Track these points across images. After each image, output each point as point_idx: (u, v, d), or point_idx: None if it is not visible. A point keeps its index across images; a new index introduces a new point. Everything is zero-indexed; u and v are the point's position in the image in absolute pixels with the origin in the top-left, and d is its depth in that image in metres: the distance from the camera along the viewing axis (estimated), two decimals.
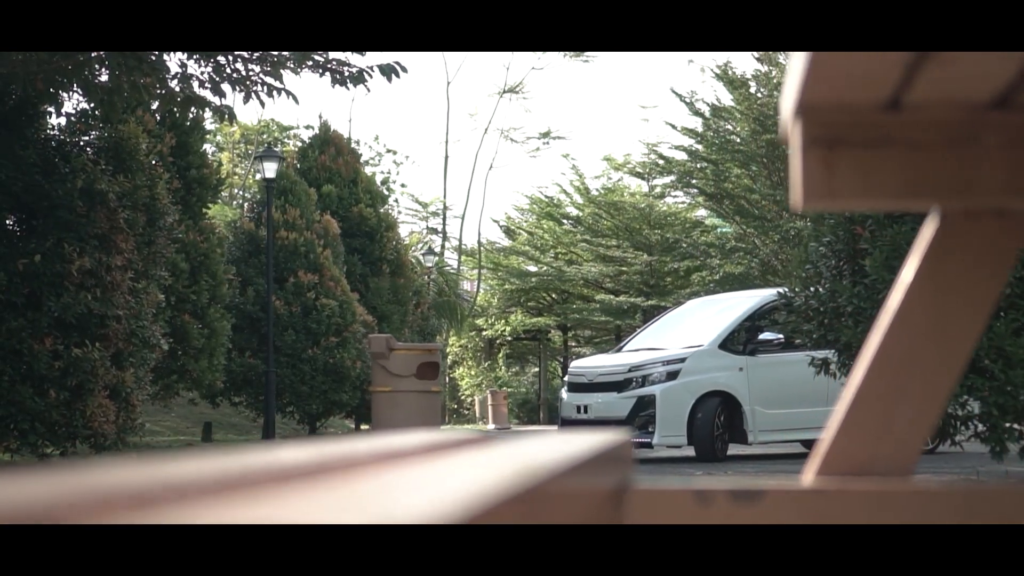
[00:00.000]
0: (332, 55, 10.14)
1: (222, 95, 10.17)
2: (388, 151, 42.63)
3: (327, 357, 18.40)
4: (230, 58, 9.95)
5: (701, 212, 31.94)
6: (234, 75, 10.01)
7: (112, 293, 10.89)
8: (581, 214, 34.43)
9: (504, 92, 38.35)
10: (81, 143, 11.55)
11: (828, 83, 0.95)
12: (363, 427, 21.25)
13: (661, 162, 30.44)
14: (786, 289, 8.79)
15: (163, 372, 14.29)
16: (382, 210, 23.08)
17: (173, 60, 10.04)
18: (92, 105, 11.09)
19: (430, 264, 31.70)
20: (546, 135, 39.11)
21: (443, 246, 39.04)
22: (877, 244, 7.16)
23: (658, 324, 13.62)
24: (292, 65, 9.98)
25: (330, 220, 19.99)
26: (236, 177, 34.90)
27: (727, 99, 27.15)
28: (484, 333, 35.93)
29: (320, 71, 10.15)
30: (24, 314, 10.49)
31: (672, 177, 30.55)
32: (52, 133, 11.39)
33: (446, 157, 38.91)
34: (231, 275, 17.10)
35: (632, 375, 11.62)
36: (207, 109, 10.43)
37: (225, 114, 10.55)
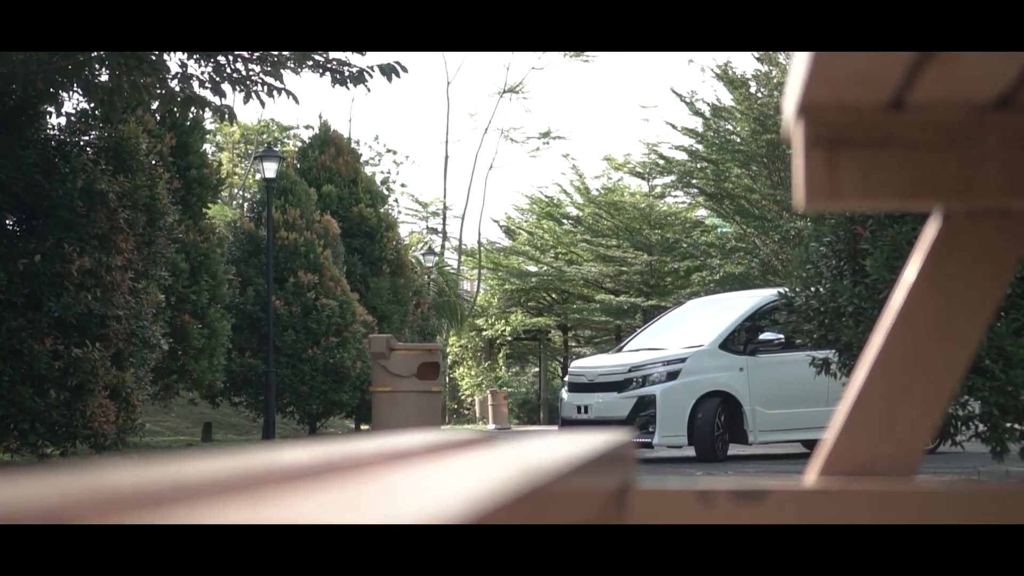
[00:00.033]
0: (332, 55, 10.14)
1: (222, 95, 10.17)
2: (388, 151, 42.64)
3: (327, 357, 18.40)
4: (230, 58, 9.95)
5: (701, 212, 31.94)
6: (234, 75, 10.02)
7: (112, 293, 10.89)
8: (581, 214, 34.43)
9: (504, 92, 38.37)
10: (81, 143, 11.55)
11: (831, 83, 0.95)
12: (363, 427, 21.26)
13: (661, 162, 30.45)
14: (787, 289, 8.79)
15: (163, 372, 14.29)
16: (382, 210, 23.08)
17: (173, 60, 10.05)
18: (92, 105, 11.09)
19: (430, 264, 31.70)
20: (546, 135, 39.12)
21: (443, 246, 39.06)
22: (878, 244, 7.16)
23: (658, 324, 13.63)
24: (292, 65, 9.99)
25: (330, 220, 19.99)
26: (236, 177, 34.91)
27: (727, 99, 27.16)
28: (484, 333, 35.93)
29: (320, 71, 10.15)
30: (24, 314, 10.49)
31: (672, 177, 30.55)
32: (52, 133, 11.40)
33: (446, 157, 38.93)
34: (231, 275, 17.10)
35: (632, 375, 11.62)
36: (207, 109, 10.43)
37: (225, 114, 10.55)
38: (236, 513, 0.36)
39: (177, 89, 10.18)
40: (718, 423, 11.28)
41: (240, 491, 0.43)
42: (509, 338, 36.12)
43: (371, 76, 10.21)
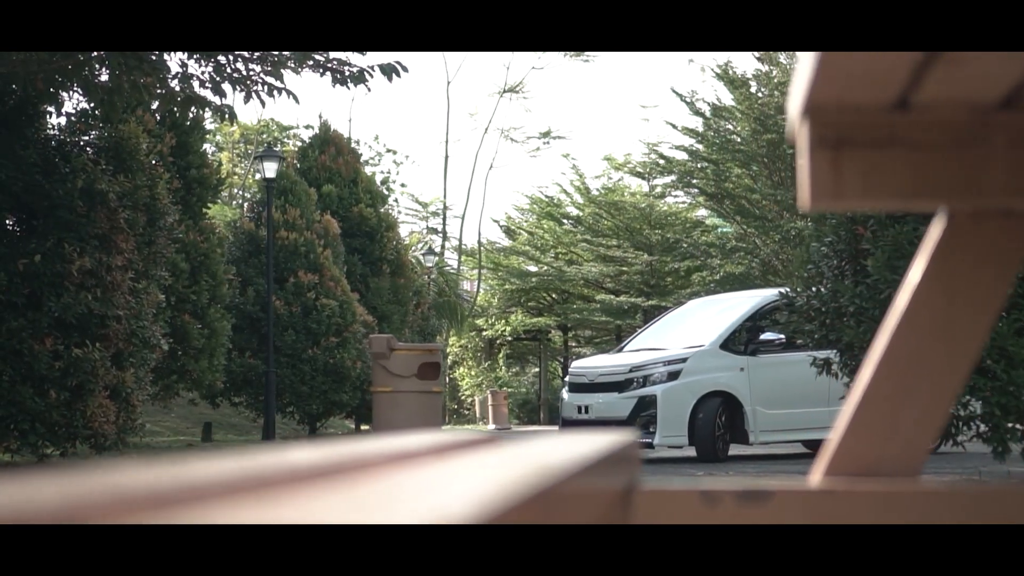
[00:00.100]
0: (333, 55, 10.14)
1: (223, 95, 10.17)
2: (388, 151, 42.65)
3: (327, 357, 18.40)
4: (230, 58, 9.95)
5: (702, 212, 31.94)
6: (235, 75, 10.02)
7: (112, 293, 10.89)
8: (581, 214, 34.43)
9: (504, 92, 38.37)
10: (81, 143, 11.55)
11: (835, 83, 0.95)
12: (363, 427, 21.26)
13: (661, 162, 30.45)
14: (788, 289, 8.79)
15: (163, 372, 14.29)
16: (382, 210, 23.08)
17: (173, 60, 10.05)
18: (92, 105, 11.09)
19: (430, 264, 31.70)
20: (546, 135, 39.11)
21: (443, 246, 39.06)
22: (879, 244, 7.16)
23: (659, 324, 13.63)
24: (293, 65, 9.99)
25: (330, 220, 19.99)
26: (236, 177, 34.91)
27: (728, 99, 27.16)
28: (484, 333, 35.93)
29: (321, 71, 10.15)
30: (24, 314, 10.49)
31: (673, 177, 30.55)
32: (52, 133, 11.40)
33: (446, 157, 38.94)
34: (231, 275, 17.10)
35: (633, 375, 11.62)
36: (207, 109, 10.43)
37: (225, 114, 10.55)
38: (247, 514, 0.36)
39: (177, 89, 10.18)
40: (719, 423, 11.29)
41: (250, 492, 0.43)
42: (509, 338, 36.12)
43: (371, 76, 10.21)
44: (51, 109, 11.12)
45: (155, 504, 0.36)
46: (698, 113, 27.52)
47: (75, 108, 11.82)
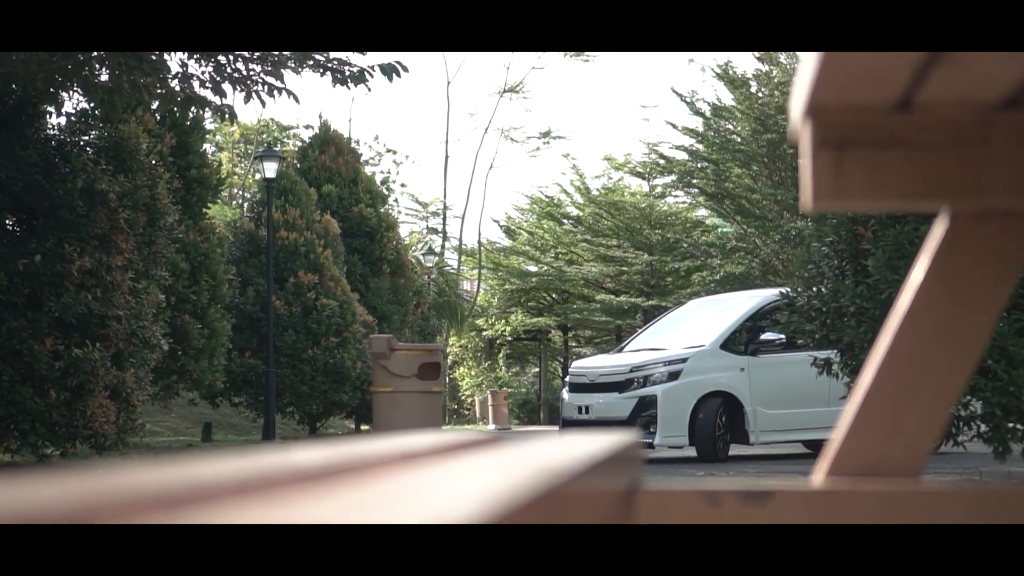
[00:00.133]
0: (333, 55, 10.14)
1: (223, 95, 10.17)
2: (388, 151, 42.65)
3: (327, 357, 18.40)
4: (231, 58, 9.95)
5: (702, 212, 31.94)
6: (235, 75, 10.02)
7: (112, 293, 10.89)
8: (581, 214, 34.43)
9: (504, 92, 38.37)
10: (81, 143, 11.55)
11: (838, 84, 0.95)
12: (363, 428, 21.26)
13: (662, 162, 30.44)
14: (788, 289, 8.79)
15: (163, 372, 14.29)
16: (382, 210, 23.08)
17: (173, 60, 10.05)
18: (92, 105, 11.09)
19: (430, 264, 31.70)
20: (546, 135, 39.11)
21: (443, 246, 39.06)
22: (880, 244, 7.16)
23: (659, 324, 13.63)
24: (293, 65, 9.99)
25: (330, 220, 19.99)
26: (236, 177, 34.91)
27: (728, 99, 27.15)
28: (484, 333, 35.93)
29: (321, 71, 10.15)
30: (24, 314, 10.49)
31: (673, 177, 30.54)
32: (52, 133, 11.39)
33: (446, 157, 38.94)
34: (231, 275, 17.10)
35: (633, 375, 11.62)
36: (207, 109, 10.43)
37: (226, 114, 10.55)
38: (256, 514, 0.36)
39: (177, 89, 10.18)
40: (719, 423, 11.29)
41: (257, 492, 0.43)
42: (509, 338, 36.12)
43: (372, 76, 10.21)
44: (51, 109, 11.12)
45: (164, 505, 0.36)
46: (698, 113, 27.51)
47: (75, 108, 11.83)
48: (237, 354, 17.78)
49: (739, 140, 26.49)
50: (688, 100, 27.52)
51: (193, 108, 10.44)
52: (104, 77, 10.01)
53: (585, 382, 12.08)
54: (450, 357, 34.28)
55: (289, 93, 10.30)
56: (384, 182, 37.72)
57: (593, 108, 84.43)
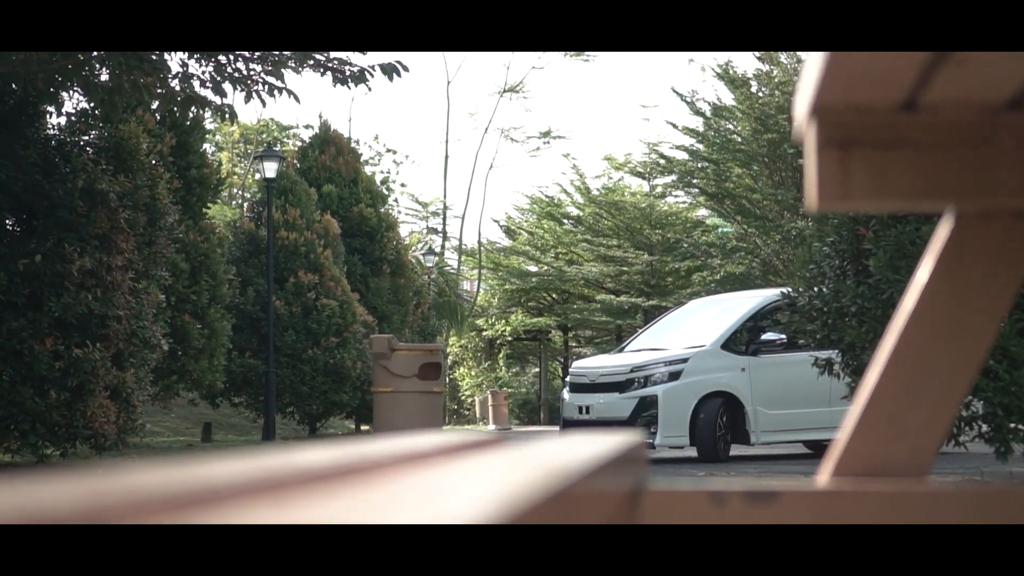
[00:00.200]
0: (333, 54, 10.14)
1: (223, 94, 10.17)
2: (388, 151, 42.66)
3: (327, 357, 18.40)
4: (231, 57, 9.95)
5: (702, 212, 31.94)
6: (235, 74, 10.02)
7: (113, 293, 10.89)
8: (582, 214, 34.42)
9: (504, 92, 38.37)
10: (81, 143, 11.55)
11: (843, 84, 0.95)
12: (363, 428, 21.26)
13: (662, 162, 30.44)
14: (789, 289, 8.79)
15: (163, 372, 14.29)
16: (382, 210, 23.08)
17: (174, 60, 10.05)
18: (92, 105, 11.09)
19: (430, 264, 31.71)
20: (546, 134, 39.10)
21: (443, 246, 39.06)
22: (881, 244, 7.16)
23: (660, 324, 13.63)
24: (293, 64, 9.99)
25: (330, 220, 19.99)
26: (236, 177, 34.92)
27: (728, 98, 27.15)
28: (484, 333, 35.93)
29: (321, 70, 10.15)
30: (25, 314, 10.49)
31: (673, 177, 30.54)
32: (52, 133, 11.40)
33: (446, 157, 38.94)
34: (231, 275, 17.09)
35: (634, 375, 11.62)
36: (207, 109, 10.43)
37: (226, 114, 10.55)
38: (266, 514, 0.36)
39: (177, 89, 10.18)
40: (720, 423, 11.29)
41: (265, 492, 0.43)
42: (509, 338, 36.11)
43: (372, 75, 10.22)
44: (51, 109, 11.12)
45: (176, 505, 0.36)
46: (698, 113, 27.51)
47: (75, 108, 11.83)
48: (237, 354, 17.78)
49: (739, 140, 26.49)
50: (688, 100, 27.52)
51: (193, 108, 10.44)
52: (104, 77, 10.01)
53: (586, 382, 12.08)
54: (450, 357, 34.28)
55: (289, 93, 10.30)
56: (384, 182, 37.72)
57: (593, 108, 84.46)
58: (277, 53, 9.83)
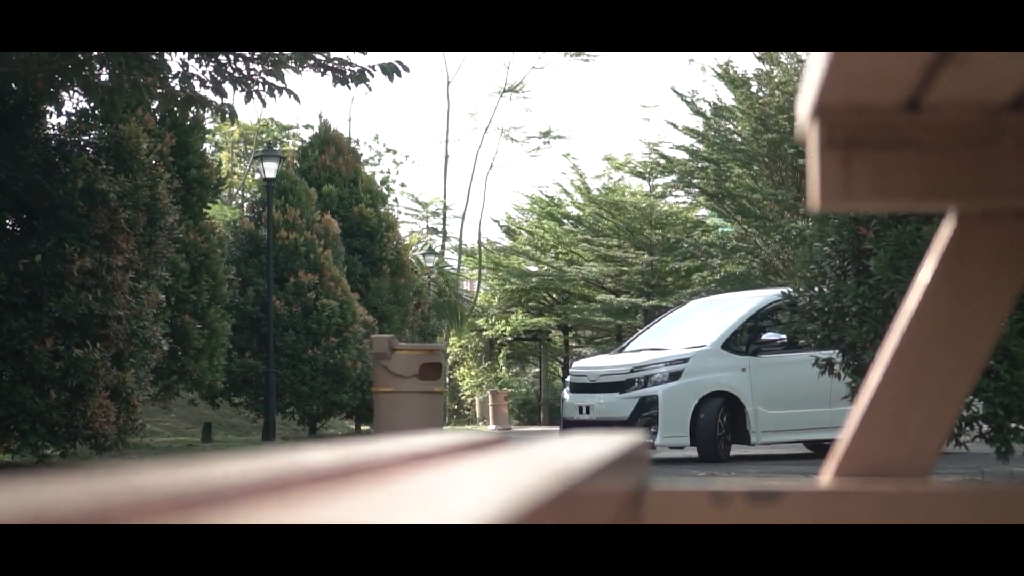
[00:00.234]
0: (333, 54, 10.14)
1: (223, 94, 10.17)
2: (388, 151, 42.66)
3: (327, 357, 18.39)
4: (231, 57, 9.95)
5: (702, 212, 31.94)
6: (235, 74, 10.02)
7: (113, 293, 10.88)
8: (582, 214, 34.42)
9: (504, 91, 38.35)
10: (81, 143, 11.55)
11: (846, 84, 0.95)
12: (363, 428, 21.26)
13: (662, 162, 30.44)
14: (790, 289, 8.79)
15: (163, 372, 14.29)
16: (382, 210, 23.08)
17: (174, 60, 10.05)
18: (92, 105, 11.09)
19: (430, 264, 31.70)
20: (546, 134, 39.09)
21: (443, 246, 39.06)
22: (881, 244, 7.16)
23: (660, 324, 13.63)
24: (293, 64, 9.99)
25: (330, 220, 19.99)
26: (236, 177, 34.92)
27: (728, 98, 27.14)
28: (484, 333, 35.92)
29: (321, 70, 10.15)
30: (25, 314, 10.49)
31: (673, 177, 30.53)
32: (52, 133, 11.39)
33: (446, 157, 38.93)
34: (231, 275, 17.09)
35: (634, 375, 11.62)
36: (208, 109, 10.43)
37: (226, 114, 10.55)
38: (272, 514, 0.36)
39: (177, 89, 10.18)
40: (720, 424, 11.29)
41: (271, 493, 0.43)
42: (509, 338, 36.11)
43: (372, 75, 10.21)
44: (51, 109, 11.12)
45: (182, 505, 0.36)
46: (699, 113, 27.51)
47: (75, 108, 11.82)
48: (237, 354, 17.77)
49: (740, 140, 26.49)
50: (688, 100, 27.52)
51: (193, 108, 10.44)
52: (104, 77, 10.00)
53: (586, 382, 12.08)
54: (450, 357, 34.28)
55: (290, 93, 10.30)
56: (384, 182, 37.71)
57: (593, 108, 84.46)
58: (277, 53, 9.83)
